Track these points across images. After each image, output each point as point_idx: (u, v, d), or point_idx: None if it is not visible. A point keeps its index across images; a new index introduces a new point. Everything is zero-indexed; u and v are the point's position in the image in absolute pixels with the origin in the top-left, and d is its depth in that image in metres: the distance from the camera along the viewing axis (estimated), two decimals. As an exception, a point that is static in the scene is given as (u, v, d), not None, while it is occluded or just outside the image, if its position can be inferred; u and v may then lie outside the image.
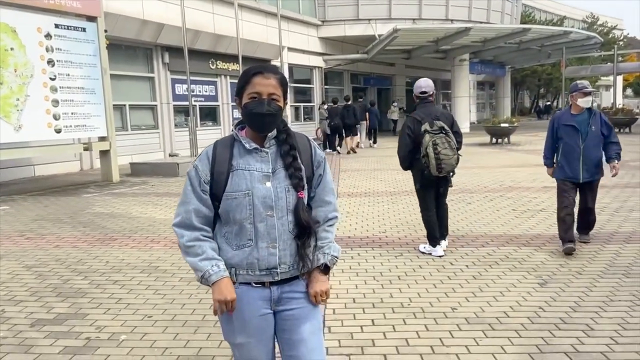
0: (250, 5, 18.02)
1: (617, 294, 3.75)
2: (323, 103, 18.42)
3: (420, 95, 4.85)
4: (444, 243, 4.95)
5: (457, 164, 4.62)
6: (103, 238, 5.75)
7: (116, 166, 10.21)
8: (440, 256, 4.80)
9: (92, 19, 9.61)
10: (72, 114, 9.27)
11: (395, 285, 4.10)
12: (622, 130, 20.30)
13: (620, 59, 28.17)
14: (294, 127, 21.33)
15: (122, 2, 13.14)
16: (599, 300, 3.64)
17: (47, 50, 8.79)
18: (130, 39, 13.43)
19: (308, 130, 21.43)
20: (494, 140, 17.51)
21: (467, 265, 4.54)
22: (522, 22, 30.15)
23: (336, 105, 16.59)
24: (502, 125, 16.74)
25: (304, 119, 22.52)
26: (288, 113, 19.86)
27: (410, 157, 4.75)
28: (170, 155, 14.78)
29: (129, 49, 13.98)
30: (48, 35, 8.79)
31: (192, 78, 15.80)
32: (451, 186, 4.88)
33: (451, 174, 4.73)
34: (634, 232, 5.45)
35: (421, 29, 20.71)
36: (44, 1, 8.63)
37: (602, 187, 8.18)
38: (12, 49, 8.18)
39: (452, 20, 22.59)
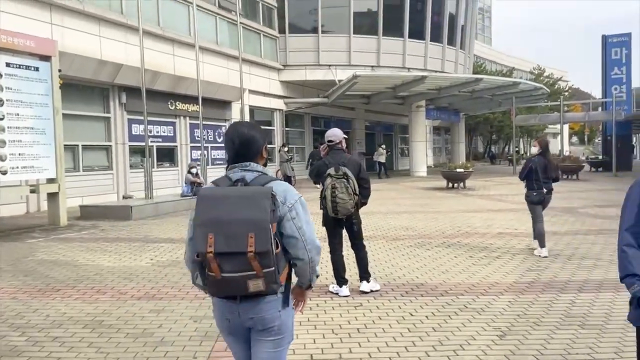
0: (211, 48, 18.14)
1: (574, 346, 3.74)
2: (283, 145, 18.48)
3: (329, 143, 5.25)
4: (366, 285, 5.17)
5: (353, 209, 4.97)
6: (45, 289, 5.38)
7: (64, 209, 9.76)
8: (346, 296, 5.01)
9: (46, 58, 9.37)
10: (19, 154, 8.87)
11: (354, 338, 3.97)
12: (569, 177, 21.21)
13: (566, 109, 29.77)
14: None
15: (79, 42, 12.95)
16: (557, 354, 3.62)
17: (-5, 89, 8.46)
18: (87, 79, 13.18)
19: (269, 171, 21.34)
20: (450, 184, 17.89)
21: (427, 316, 4.47)
22: (474, 72, 31.59)
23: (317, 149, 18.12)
24: (458, 170, 17.18)
25: (264, 161, 22.41)
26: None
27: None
28: (124, 197, 14.34)
29: (85, 89, 13.69)
30: (-2, 74, 8.49)
31: (150, 118, 15.58)
32: (356, 230, 5.22)
33: (354, 220, 5.12)
34: (587, 281, 5.55)
35: (379, 76, 21.35)
36: (-4, 39, 8.37)
37: (555, 233, 8.45)
38: (-43, 86, 7.83)
39: (408, 69, 23.42)
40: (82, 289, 5.38)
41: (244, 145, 2.14)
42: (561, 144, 31.15)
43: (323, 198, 5.01)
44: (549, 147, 7.39)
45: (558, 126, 55.42)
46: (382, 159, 24.57)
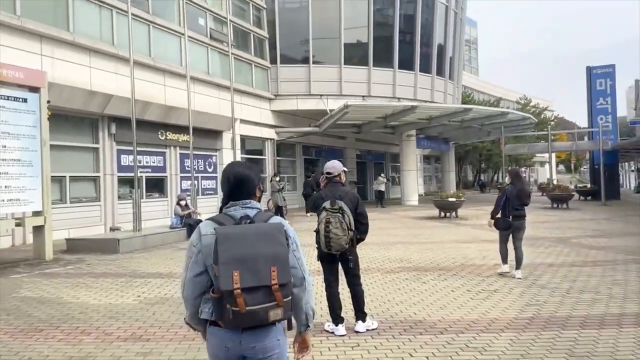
0: (202, 78, 18.18)
1: (583, 390, 3.59)
2: (275, 175, 18.37)
3: (327, 175, 5.11)
4: (362, 325, 4.99)
5: (348, 244, 4.80)
6: (27, 329, 5.13)
7: (50, 243, 9.49)
8: (342, 335, 4.80)
9: (34, 89, 9.25)
10: (5, 187, 8.65)
11: (352, 383, 3.78)
12: (560, 206, 21.27)
13: (552, 138, 30.12)
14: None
15: (69, 73, 12.89)
16: (566, 398, 3.46)
17: (-18, 120, 8.31)
18: (76, 110, 13.06)
19: (261, 201, 21.16)
20: (442, 213, 17.83)
21: (427, 357, 4.29)
22: (462, 102, 32.01)
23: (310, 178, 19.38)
24: (450, 199, 17.15)
25: (255, 191, 22.25)
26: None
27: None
28: (111, 229, 14.03)
29: (74, 119, 13.55)
30: (-15, 105, 8.35)
31: (140, 149, 15.44)
32: (352, 267, 5.03)
33: (350, 256, 4.93)
34: (588, 316, 5.41)
35: (370, 106, 21.50)
36: (-17, 70, 8.26)
37: (551, 265, 8.34)
38: (-58, 118, 7.67)
39: (399, 99, 23.64)
40: (66, 329, 5.14)
41: (240, 184, 2.26)
42: (550, 173, 31.38)
43: (317, 232, 4.87)
44: (519, 175, 8.06)
45: (545, 155, 56.19)
46: (382, 188, 24.52)
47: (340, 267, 5.09)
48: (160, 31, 16.45)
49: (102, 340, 4.77)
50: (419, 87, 25.00)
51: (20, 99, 8.99)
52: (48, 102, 9.54)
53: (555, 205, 21.23)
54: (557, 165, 67.73)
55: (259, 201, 2.33)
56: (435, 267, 8.42)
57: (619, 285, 6.83)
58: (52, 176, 12.69)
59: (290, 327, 2.23)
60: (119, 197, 14.81)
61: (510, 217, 7.57)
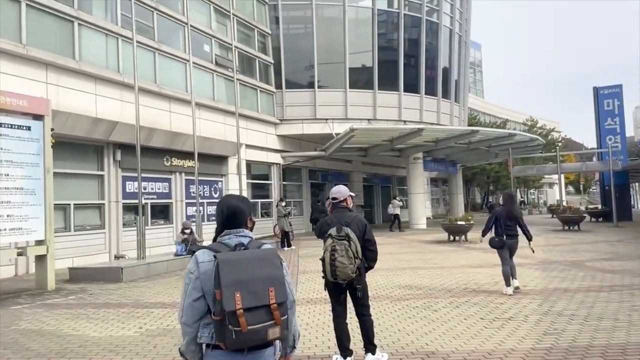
0: (208, 104, 18.22)
1: None
2: (281, 200, 18.21)
3: (333, 201, 4.95)
4: (372, 357, 4.74)
5: (354, 273, 4.56)
6: (22, 365, 4.93)
7: (52, 272, 9.32)
8: None
9: (38, 117, 9.23)
10: (7, 216, 8.54)
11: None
12: (571, 229, 20.88)
13: (561, 159, 29.87)
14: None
15: (74, 100, 12.92)
16: None
17: (-15, 149, 8.26)
18: (81, 137, 13.05)
19: (267, 226, 20.99)
20: (451, 237, 17.53)
21: (441, 393, 4.04)
22: (468, 125, 31.92)
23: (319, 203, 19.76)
24: (459, 222, 16.87)
25: (262, 215, 22.12)
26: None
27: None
28: (116, 257, 13.88)
29: (79, 147, 13.53)
30: (-12, 134, 8.31)
31: (145, 175, 15.38)
32: (360, 296, 4.79)
33: (357, 285, 4.69)
34: (609, 346, 5.13)
35: (376, 129, 21.44)
36: (-13, 99, 8.24)
37: (566, 290, 8.05)
38: (-56, 147, 7.61)
39: (405, 121, 23.59)
40: (64, 364, 4.94)
41: (233, 215, 2.46)
42: (560, 195, 31.00)
43: (322, 260, 4.67)
44: (512, 198, 8.72)
45: (554, 176, 55.74)
46: (398, 211, 23.74)
47: (348, 296, 4.87)
48: (165, 58, 16.56)
49: (100, 377, 4.56)
50: (424, 110, 24.96)
51: (24, 127, 8.96)
52: (52, 130, 9.49)
53: (566, 228, 20.85)
54: (565, 187, 67.16)
55: (251, 230, 2.51)
56: (446, 293, 8.15)
57: (637, 311, 6.54)
58: (56, 204, 12.61)
59: (276, 351, 2.38)
60: (124, 225, 14.68)
61: (504, 236, 8.09)
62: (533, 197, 64.59)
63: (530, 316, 6.47)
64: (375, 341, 4.90)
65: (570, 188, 77.31)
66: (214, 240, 2.47)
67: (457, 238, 17.30)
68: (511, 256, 8.14)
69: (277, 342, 2.35)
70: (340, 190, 4.98)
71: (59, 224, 12.92)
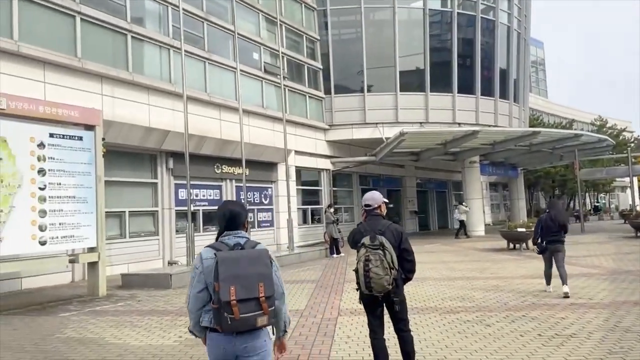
0: (257, 111, 18.34)
1: None
2: (329, 206, 17.98)
3: (366, 208, 4.61)
4: None
5: (391, 285, 4.20)
6: (59, 374, 4.94)
7: (104, 279, 9.53)
8: None
9: (90, 127, 9.49)
10: (60, 224, 8.81)
11: None
12: (645, 234, 19.30)
13: (633, 160, 27.83)
14: (302, 230, 20.78)
15: (129, 110, 13.31)
16: None
17: (38, 159, 8.55)
18: (135, 146, 13.41)
19: (317, 232, 20.82)
20: (510, 245, 16.63)
21: (488, 422, 3.62)
22: (530, 126, 30.43)
23: None
24: (519, 229, 15.95)
25: (312, 221, 21.99)
26: (295, 216, 19.39)
27: None
28: (169, 263, 14.12)
29: (133, 156, 13.92)
30: (41, 145, 8.60)
31: (196, 182, 15.65)
32: (398, 310, 4.40)
33: (395, 297, 4.32)
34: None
35: (428, 132, 20.80)
36: (40, 111, 8.54)
37: (636, 304, 7.26)
38: (0, 159, 7.93)
39: (459, 124, 22.77)
40: (98, 375, 4.90)
41: (233, 218, 2.89)
42: (632, 199, 28.83)
43: (356, 272, 4.35)
44: (555, 204, 9.08)
45: (626, 179, 52.25)
46: (464, 217, 22.99)
47: (386, 310, 4.53)
48: (215, 67, 16.81)
49: (131, 389, 4.47)
50: (481, 111, 24.01)
51: (76, 137, 9.23)
52: (103, 139, 9.74)
53: (639, 235, 19.30)
54: (639, 190, 62.80)
55: (247, 231, 2.94)
56: (502, 306, 7.58)
57: None
58: (112, 211, 13.08)
59: (269, 335, 2.83)
60: (177, 231, 14.93)
61: (544, 242, 8.51)
62: (604, 201, 60.83)
63: (594, 333, 5.86)
64: (418, 359, 4.53)
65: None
66: (216, 239, 2.88)
67: (516, 246, 16.38)
68: (557, 261, 8.39)
69: (267, 327, 2.80)
70: (374, 197, 4.66)
71: (115, 231, 13.32)
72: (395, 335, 4.55)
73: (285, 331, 2.94)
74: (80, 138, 9.33)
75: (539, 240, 8.59)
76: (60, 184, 8.86)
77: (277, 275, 2.81)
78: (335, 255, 16.05)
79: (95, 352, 5.71)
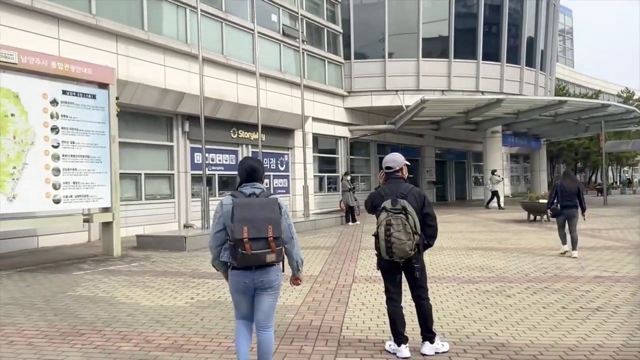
0: (275, 76, 17.95)
1: None
2: (346, 174, 17.72)
3: (387, 170, 4.37)
4: (429, 346, 4.18)
5: (413, 251, 4.01)
6: (69, 332, 4.86)
7: (118, 239, 9.49)
8: (405, 358, 4.06)
9: (103, 85, 9.29)
10: (74, 183, 8.73)
11: None
12: (672, 209, 18.71)
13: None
14: (318, 197, 20.62)
15: (144, 71, 13.07)
16: None
17: (51, 116, 8.40)
18: (150, 108, 13.22)
19: (333, 200, 20.65)
20: (531, 217, 16.25)
21: (510, 396, 3.42)
22: (556, 95, 29.48)
23: None
24: (540, 201, 15.52)
25: (328, 190, 21.80)
26: (311, 184, 19.20)
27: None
28: (185, 227, 14.12)
29: (148, 118, 13.75)
30: (54, 102, 8.44)
31: (212, 147, 15.49)
32: (418, 277, 4.19)
33: (416, 264, 4.10)
34: None
35: (450, 100, 20.21)
36: (52, 67, 8.34)
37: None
38: (12, 114, 7.80)
39: (482, 92, 22.08)
40: (108, 333, 4.81)
41: (252, 172, 3.40)
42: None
43: (376, 237, 4.13)
44: (568, 175, 9.89)
45: (652, 152, 50.72)
46: (498, 187, 21.77)
47: (403, 277, 4.31)
48: (232, 28, 16.39)
49: (140, 349, 4.36)
50: (505, 80, 23.23)
51: (89, 95, 9.05)
52: (117, 98, 9.56)
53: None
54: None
55: (263, 183, 3.46)
56: (523, 277, 7.33)
57: None
58: (127, 173, 13.02)
59: (281, 271, 3.40)
60: (193, 195, 14.87)
61: (559, 206, 9.21)
62: (627, 175, 59.41)
63: (621, 307, 5.59)
64: (435, 329, 4.33)
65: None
66: (236, 189, 3.40)
67: (537, 218, 16.00)
68: (570, 225, 9.14)
69: (279, 265, 3.34)
70: (395, 159, 4.38)
71: (130, 192, 13.29)
72: (413, 303, 4.35)
73: (299, 270, 3.55)
74: (94, 96, 9.15)
75: (555, 204, 9.29)
76: (74, 142, 8.73)
77: (287, 222, 3.36)
78: (350, 223, 15.88)
79: (106, 310, 5.64)
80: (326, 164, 22.11)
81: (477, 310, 5.56)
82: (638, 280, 6.85)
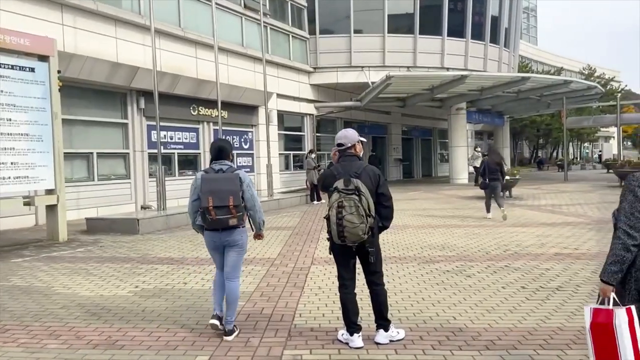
0: (237, 50, 17.29)
1: None
2: (310, 152, 17.37)
3: (339, 147, 4.04)
4: (384, 334, 3.93)
5: (366, 235, 3.69)
6: (-7, 328, 4.41)
7: (64, 223, 8.92)
8: (358, 348, 3.81)
9: (43, 58, 8.59)
10: (12, 163, 8.09)
11: None
12: (630, 184, 19.10)
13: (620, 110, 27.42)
14: (284, 176, 20.24)
15: (93, 43, 12.29)
16: None
17: (-17, 91, 7.72)
18: (101, 83, 12.47)
19: (299, 179, 20.31)
20: (494, 193, 16.29)
21: (466, 388, 3.20)
22: (519, 72, 29.65)
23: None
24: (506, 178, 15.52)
25: (294, 168, 21.43)
26: (276, 162, 18.80)
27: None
28: (142, 208, 13.57)
29: (99, 93, 12.99)
30: (-14, 75, 7.74)
31: (171, 124, 14.88)
32: (372, 262, 3.90)
33: (370, 248, 3.80)
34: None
35: (415, 76, 19.98)
36: (-18, 37, 7.62)
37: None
38: (-64, 89, 7.10)
39: (447, 68, 21.93)
40: (36, 329, 4.38)
41: (220, 151, 4.12)
42: (618, 148, 28.65)
43: (327, 219, 3.81)
44: (493, 151, 12.63)
45: (610, 129, 52.15)
46: (478, 163, 20.95)
47: (358, 262, 4.02)
48: (190, 0, 15.60)
49: (69, 347, 3.97)
50: (470, 56, 23.11)
51: (27, 69, 8.35)
52: (59, 72, 8.87)
53: (624, 184, 19.11)
54: (623, 141, 63.08)
55: (231, 161, 4.14)
56: (483, 255, 7.21)
57: None
58: (78, 152, 12.35)
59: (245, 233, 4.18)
60: (150, 175, 14.24)
61: (487, 179, 11.06)
62: (587, 151, 61.08)
63: (582, 286, 5.49)
64: (390, 315, 4.09)
65: (627, 143, 72.70)
66: (209, 165, 4.10)
67: (501, 194, 16.03)
68: (495, 195, 11.12)
69: (242, 227, 4.08)
70: (347, 135, 4.04)
71: (82, 173, 12.63)
72: (367, 289, 4.08)
73: (260, 229, 4.27)
74: (33, 69, 8.45)
75: (485, 179, 11.10)
76: (10, 119, 8.06)
77: (250, 192, 4.05)
78: (315, 202, 15.60)
79: (39, 302, 5.19)
80: (292, 141, 21.67)
81: (435, 292, 5.36)
82: (599, 257, 6.79)
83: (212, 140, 16.63)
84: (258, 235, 4.32)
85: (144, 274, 6.42)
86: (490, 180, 11.00)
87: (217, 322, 4.04)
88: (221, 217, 3.87)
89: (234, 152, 17.35)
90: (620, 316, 2.42)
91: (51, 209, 8.88)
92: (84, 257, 7.56)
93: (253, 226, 4.21)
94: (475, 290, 5.43)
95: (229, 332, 4.05)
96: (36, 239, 9.09)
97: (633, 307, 2.46)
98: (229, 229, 3.97)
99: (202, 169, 4.00)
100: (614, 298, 2.49)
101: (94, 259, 7.41)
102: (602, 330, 2.48)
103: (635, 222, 2.45)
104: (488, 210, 11.16)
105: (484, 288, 5.49)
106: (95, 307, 5.02)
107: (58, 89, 8.80)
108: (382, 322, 3.97)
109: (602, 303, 2.53)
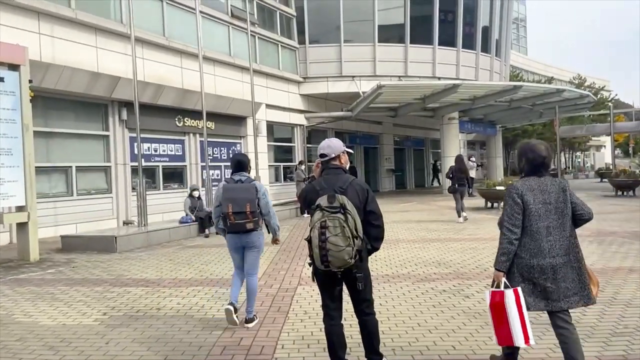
0: (224, 60, 16.88)
1: None
2: (300, 163, 16.92)
3: (322, 159, 3.55)
4: None
5: (353, 259, 3.19)
6: None
7: (35, 242, 8.38)
8: None
9: (14, 67, 8.11)
10: (-22, 179, 7.57)
11: None
12: (625, 194, 18.86)
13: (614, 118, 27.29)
14: (274, 188, 19.74)
15: (72, 53, 11.81)
16: None
17: (-54, 102, 7.22)
18: (79, 93, 11.96)
19: (290, 191, 19.83)
20: (489, 204, 15.94)
21: None
22: (510, 82, 29.49)
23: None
24: (498, 188, 15.20)
25: (284, 179, 20.95)
26: (266, 174, 18.32)
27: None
28: (124, 223, 13.02)
29: (79, 104, 12.48)
30: (-51, 85, 7.25)
31: (155, 136, 14.39)
32: (360, 289, 3.37)
33: (358, 273, 3.29)
34: None
35: (407, 86, 19.66)
36: (-57, 44, 7.14)
37: (631, 271, 6.48)
38: None
39: (439, 78, 21.64)
40: (-19, 367, 3.87)
41: (239, 164, 4.79)
42: (612, 157, 28.46)
43: (309, 242, 3.31)
44: (460, 159, 13.23)
45: (601, 139, 52.24)
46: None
47: (345, 288, 3.54)
48: (174, 8, 15.18)
49: (14, 389, 3.45)
50: (461, 65, 22.86)
51: (-5, 78, 7.87)
52: (30, 81, 8.38)
53: (620, 193, 18.84)
54: (614, 150, 63.29)
55: (249, 173, 4.85)
56: (482, 273, 6.76)
57: None
58: (55, 166, 11.83)
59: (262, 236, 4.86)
60: (133, 189, 13.66)
61: (456, 185, 12.38)
62: (579, 160, 61.12)
63: (591, 307, 5.02)
64: (383, 344, 3.62)
65: (619, 151, 73.04)
66: (230, 176, 4.79)
67: (495, 204, 15.69)
68: (462, 198, 12.39)
69: (260, 230, 4.74)
70: (331, 145, 3.56)
71: (60, 188, 12.09)
72: (357, 320, 3.60)
73: (276, 234, 4.88)
74: (2, 79, 7.97)
75: (453, 184, 12.40)
76: (-24, 132, 7.56)
77: (265, 200, 4.68)
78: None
79: (-7, 334, 4.66)
80: (283, 153, 21.21)
81: (432, 317, 4.90)
82: (604, 275, 6.36)
83: (198, 152, 16.25)
84: (275, 241, 4.93)
85: (114, 298, 5.90)
86: (459, 185, 12.35)
87: (231, 308, 4.55)
88: (239, 222, 4.53)
89: (221, 164, 16.88)
90: (509, 296, 3.16)
91: (22, 226, 8.34)
92: (53, 279, 7.02)
93: (270, 231, 4.83)
94: (475, 313, 4.98)
95: (249, 320, 4.69)
96: (7, 259, 8.51)
97: (519, 288, 3.19)
98: (247, 232, 4.60)
99: (224, 179, 4.66)
100: (504, 282, 3.22)
101: (64, 281, 6.87)
102: (498, 308, 3.21)
103: (515, 221, 3.23)
104: (459, 215, 12.21)
105: (485, 311, 4.98)
106: (55, 338, 4.51)
107: (29, 99, 8.30)
108: (374, 356, 3.48)
109: (498, 287, 3.24)
